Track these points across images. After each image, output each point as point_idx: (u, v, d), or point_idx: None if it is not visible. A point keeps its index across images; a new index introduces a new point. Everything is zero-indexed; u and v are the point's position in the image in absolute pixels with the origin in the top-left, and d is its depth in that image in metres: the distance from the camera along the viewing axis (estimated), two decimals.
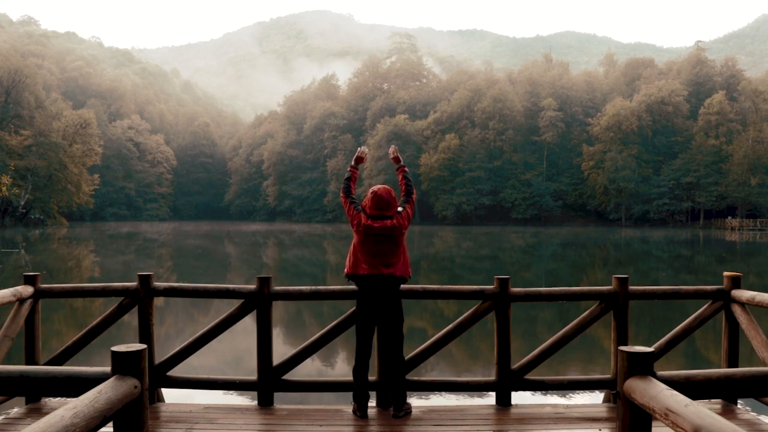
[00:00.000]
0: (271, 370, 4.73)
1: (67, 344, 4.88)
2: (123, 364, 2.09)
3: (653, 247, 37.94)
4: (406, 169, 4.78)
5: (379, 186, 4.49)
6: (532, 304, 13.25)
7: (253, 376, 4.77)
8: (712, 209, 75.45)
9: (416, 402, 5.60)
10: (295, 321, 13.00)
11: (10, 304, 4.61)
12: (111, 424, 2.03)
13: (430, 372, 8.05)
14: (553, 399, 6.60)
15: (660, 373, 2.19)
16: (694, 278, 21.07)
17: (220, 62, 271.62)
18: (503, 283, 4.73)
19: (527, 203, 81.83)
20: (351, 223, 4.46)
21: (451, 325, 4.80)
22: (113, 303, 4.93)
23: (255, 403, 4.76)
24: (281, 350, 7.26)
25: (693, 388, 2.20)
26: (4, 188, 55.02)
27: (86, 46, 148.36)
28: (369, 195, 4.43)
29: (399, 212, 4.45)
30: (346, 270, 4.46)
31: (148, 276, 4.84)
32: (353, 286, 4.56)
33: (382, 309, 4.39)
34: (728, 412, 4.53)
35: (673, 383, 2.15)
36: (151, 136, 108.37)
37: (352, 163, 4.82)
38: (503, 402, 4.71)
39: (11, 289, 4.60)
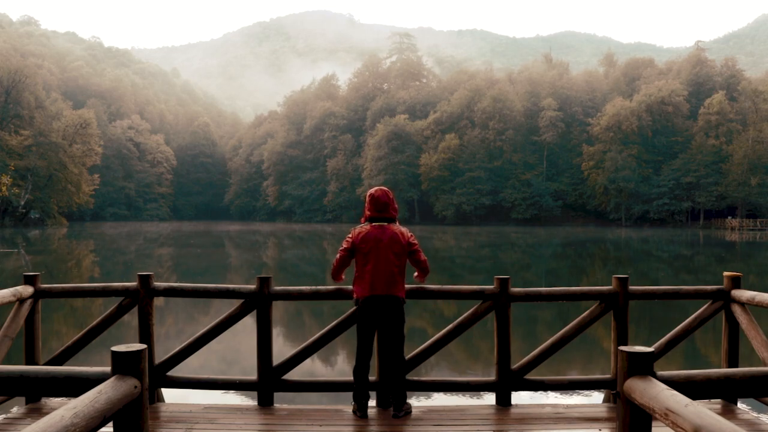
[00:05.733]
0: (271, 370, 4.73)
1: (67, 344, 4.88)
2: (123, 364, 2.09)
3: (653, 247, 37.92)
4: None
5: (375, 188, 4.54)
6: (532, 304, 13.24)
7: (253, 376, 4.77)
8: (712, 209, 75.40)
9: (416, 402, 5.59)
10: (295, 321, 12.99)
11: (10, 304, 4.61)
12: (111, 424, 2.03)
13: (430, 372, 8.04)
14: (553, 399, 6.59)
15: (660, 373, 2.19)
16: (694, 278, 21.05)
17: (220, 62, 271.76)
18: (503, 283, 4.73)
19: (527, 203, 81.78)
20: (352, 245, 4.41)
21: (451, 325, 4.80)
22: (113, 303, 4.93)
23: (255, 403, 4.76)
24: (281, 350, 7.27)
25: (693, 388, 2.19)
26: (4, 188, 54.96)
27: (86, 46, 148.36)
28: (367, 198, 4.52)
29: (407, 234, 4.47)
30: (354, 295, 4.46)
31: (148, 276, 4.84)
32: (353, 286, 4.57)
33: (384, 320, 4.42)
34: (728, 412, 4.52)
35: (673, 383, 2.14)
36: (151, 136, 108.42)
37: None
38: (503, 402, 4.71)
39: (11, 289, 4.59)
